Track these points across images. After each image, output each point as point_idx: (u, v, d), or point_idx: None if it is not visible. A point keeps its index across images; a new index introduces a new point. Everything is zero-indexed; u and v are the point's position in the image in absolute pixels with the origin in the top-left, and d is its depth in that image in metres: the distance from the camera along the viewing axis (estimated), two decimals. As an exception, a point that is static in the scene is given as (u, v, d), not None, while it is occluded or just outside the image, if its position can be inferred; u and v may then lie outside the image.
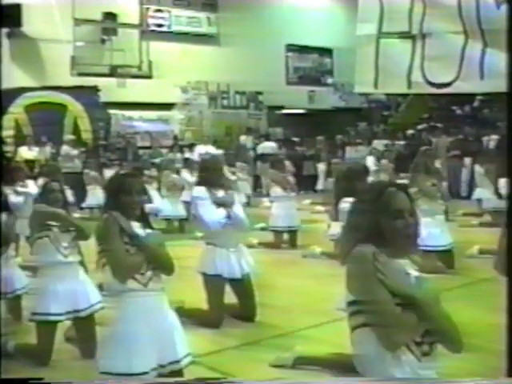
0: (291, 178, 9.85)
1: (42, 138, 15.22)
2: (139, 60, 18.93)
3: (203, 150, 16.66)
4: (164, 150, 17.52)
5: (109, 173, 14.40)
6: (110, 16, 18.33)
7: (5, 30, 16.11)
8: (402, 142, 16.98)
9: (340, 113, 21.53)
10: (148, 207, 7.59)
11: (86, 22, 18.09)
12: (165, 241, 3.83)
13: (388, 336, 2.40)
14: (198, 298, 5.53)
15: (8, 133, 15.33)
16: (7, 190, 7.48)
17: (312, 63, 23.40)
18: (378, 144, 16.93)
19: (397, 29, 7.34)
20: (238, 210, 5.57)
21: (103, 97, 17.05)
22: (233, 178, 11.35)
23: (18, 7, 16.18)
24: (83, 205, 12.72)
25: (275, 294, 6.27)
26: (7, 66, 14.66)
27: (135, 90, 18.02)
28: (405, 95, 18.52)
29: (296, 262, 8.32)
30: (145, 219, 3.81)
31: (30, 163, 13.85)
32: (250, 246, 8.69)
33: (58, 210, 4.84)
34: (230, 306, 5.60)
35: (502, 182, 9.51)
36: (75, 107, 16.39)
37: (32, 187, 8.26)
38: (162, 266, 3.68)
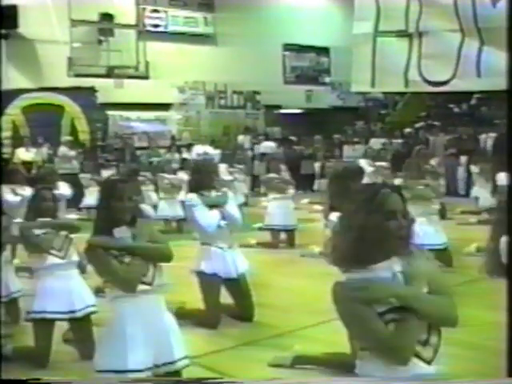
0: (288, 178, 9.84)
1: (40, 139, 15.22)
2: (136, 60, 18.93)
3: (201, 150, 16.66)
4: (162, 151, 17.52)
5: (106, 173, 14.42)
6: (107, 17, 18.32)
7: (1, 32, 16.08)
8: (399, 141, 16.99)
9: (337, 112, 21.53)
10: (141, 207, 7.64)
11: (82, 23, 18.07)
12: (152, 229, 3.85)
13: (390, 358, 2.38)
14: (197, 298, 5.52)
15: (5, 134, 15.31)
16: (5, 191, 7.48)
17: (309, 62, 23.39)
18: (376, 143, 16.91)
19: (393, 27, 7.34)
20: (232, 209, 5.59)
21: (100, 97, 17.05)
22: (230, 178, 11.34)
23: (14, 8, 16.17)
24: (81, 205, 12.70)
25: (273, 294, 6.27)
26: (4, 67, 14.63)
27: (132, 91, 18.00)
28: (402, 93, 18.53)
29: (294, 261, 8.32)
30: (133, 222, 3.80)
31: (28, 164, 13.85)
32: (248, 246, 8.72)
33: (46, 221, 4.87)
34: (228, 306, 5.60)
35: (498, 181, 9.54)
36: (72, 108, 16.39)
37: (29, 190, 8.24)
38: (159, 258, 3.68)
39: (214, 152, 16.30)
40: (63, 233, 4.87)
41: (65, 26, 17.46)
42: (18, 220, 5.24)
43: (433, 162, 11.66)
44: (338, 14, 21.53)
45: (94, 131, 16.87)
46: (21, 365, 4.49)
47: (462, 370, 3.94)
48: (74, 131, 16.25)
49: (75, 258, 4.87)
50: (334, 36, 21.28)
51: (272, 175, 9.86)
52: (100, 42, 18.47)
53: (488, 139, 15.23)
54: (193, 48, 19.83)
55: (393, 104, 21.43)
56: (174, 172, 12.02)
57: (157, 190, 11.78)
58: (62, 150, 14.85)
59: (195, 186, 5.62)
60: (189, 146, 17.75)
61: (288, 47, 22.53)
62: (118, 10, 18.65)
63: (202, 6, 20.73)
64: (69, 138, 15.48)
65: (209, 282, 5.43)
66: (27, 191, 8.13)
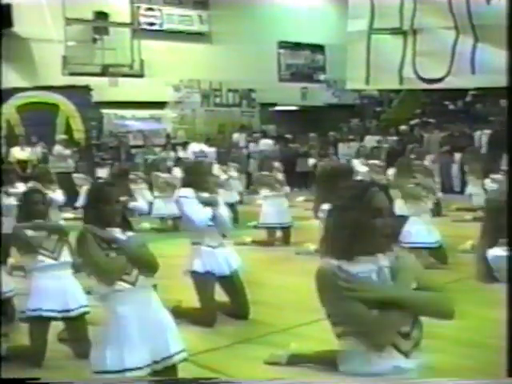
0: (280, 177, 9.83)
1: (34, 138, 15.19)
2: (131, 59, 18.90)
3: (196, 148, 16.67)
4: (157, 149, 17.51)
5: (102, 172, 14.42)
6: (102, 15, 18.30)
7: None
8: (394, 138, 17.00)
9: (332, 109, 21.55)
10: (133, 205, 7.63)
11: (77, 22, 18.05)
12: (146, 241, 3.88)
13: (369, 341, 2.43)
14: (193, 297, 5.52)
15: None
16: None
17: (304, 60, 23.40)
18: (371, 140, 16.93)
19: (388, 25, 7.32)
20: (223, 211, 5.60)
21: (95, 96, 17.04)
22: (225, 176, 11.34)
23: (8, 7, 16.13)
24: (76, 204, 12.68)
25: (268, 292, 6.26)
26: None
27: (127, 89, 17.98)
28: (397, 91, 18.53)
29: (289, 259, 8.31)
30: (125, 223, 3.85)
31: (23, 163, 13.83)
32: (244, 244, 8.73)
33: (36, 223, 4.85)
34: (223, 304, 5.60)
35: (488, 179, 9.59)
36: (67, 107, 16.36)
37: (22, 186, 8.21)
38: (145, 265, 3.70)
39: (210, 150, 16.30)
40: (55, 235, 4.87)
41: (59, 25, 17.44)
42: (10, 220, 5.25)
43: (427, 159, 11.69)
44: (333, 12, 21.53)
45: (89, 130, 16.84)
46: (16, 364, 4.48)
47: (457, 366, 3.96)
48: (68, 130, 16.22)
49: (68, 258, 4.87)
50: (328, 34, 21.29)
51: (264, 173, 9.84)
52: (95, 40, 18.45)
53: (483, 136, 15.25)
54: (188, 46, 19.83)
55: (388, 101, 21.46)
56: (169, 170, 12.02)
57: (151, 188, 11.76)
58: (57, 148, 14.83)
59: (189, 186, 5.60)
60: (184, 145, 17.75)
61: (283, 45, 22.54)
62: (113, 8, 18.63)
63: (196, 4, 20.72)
64: (64, 136, 15.45)
65: (202, 280, 5.43)
66: (21, 190, 8.12)
